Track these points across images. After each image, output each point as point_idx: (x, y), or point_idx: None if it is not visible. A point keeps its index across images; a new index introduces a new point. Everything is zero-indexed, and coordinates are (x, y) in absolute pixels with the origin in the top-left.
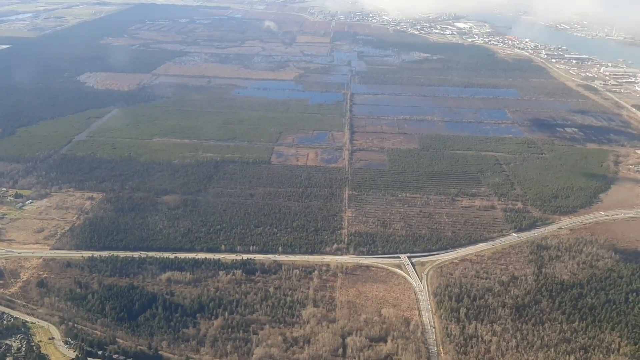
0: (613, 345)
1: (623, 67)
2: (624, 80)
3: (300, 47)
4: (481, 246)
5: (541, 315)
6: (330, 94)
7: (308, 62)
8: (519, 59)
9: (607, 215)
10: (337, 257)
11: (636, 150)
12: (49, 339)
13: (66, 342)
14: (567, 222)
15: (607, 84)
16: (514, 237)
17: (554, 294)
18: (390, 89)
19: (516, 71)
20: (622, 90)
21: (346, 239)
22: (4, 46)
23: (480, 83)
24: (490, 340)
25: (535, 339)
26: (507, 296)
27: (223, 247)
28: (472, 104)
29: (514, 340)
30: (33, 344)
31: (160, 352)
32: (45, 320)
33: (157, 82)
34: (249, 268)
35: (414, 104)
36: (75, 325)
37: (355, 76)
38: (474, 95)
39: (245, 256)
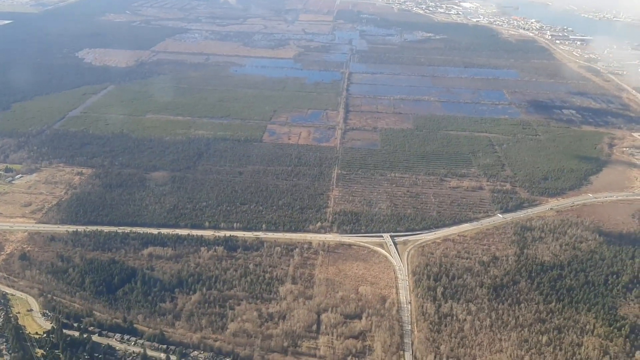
0: (588, 327)
1: (628, 49)
2: (628, 62)
3: (302, 26)
4: (465, 226)
5: (518, 295)
6: (329, 73)
7: (309, 40)
8: (523, 39)
9: (596, 198)
10: (320, 235)
11: (632, 133)
12: (27, 310)
13: (44, 314)
14: (554, 203)
15: (610, 66)
16: (499, 218)
17: (533, 274)
18: (390, 68)
19: (519, 52)
20: (625, 73)
21: (330, 217)
22: (6, 21)
23: (481, 63)
24: (465, 319)
25: (510, 319)
26: (486, 276)
27: (207, 223)
28: (471, 84)
29: (488, 319)
30: (11, 315)
31: (135, 325)
32: (25, 292)
33: (155, 59)
34: (231, 245)
35: (412, 84)
36: (54, 297)
37: (355, 55)
38: (473, 76)
39: (228, 233)
